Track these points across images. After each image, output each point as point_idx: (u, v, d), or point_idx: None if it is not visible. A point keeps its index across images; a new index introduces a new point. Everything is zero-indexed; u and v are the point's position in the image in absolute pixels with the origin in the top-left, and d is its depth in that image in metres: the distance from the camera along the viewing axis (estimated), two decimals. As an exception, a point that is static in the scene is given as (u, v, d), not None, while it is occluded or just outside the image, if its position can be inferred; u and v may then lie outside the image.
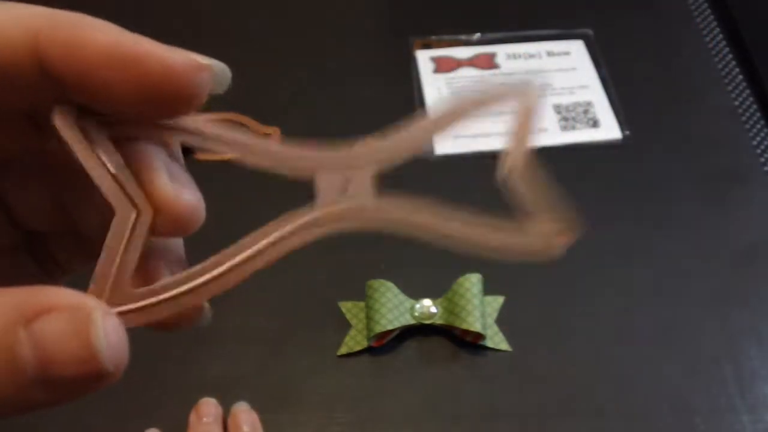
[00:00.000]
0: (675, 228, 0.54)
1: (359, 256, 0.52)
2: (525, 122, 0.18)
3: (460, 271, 0.48)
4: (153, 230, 0.17)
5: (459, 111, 0.19)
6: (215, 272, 0.17)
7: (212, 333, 0.49)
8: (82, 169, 0.16)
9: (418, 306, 0.47)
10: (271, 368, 0.48)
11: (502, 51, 0.66)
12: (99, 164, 0.16)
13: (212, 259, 0.17)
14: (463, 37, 0.67)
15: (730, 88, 0.63)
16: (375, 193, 0.19)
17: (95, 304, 0.14)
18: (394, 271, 0.49)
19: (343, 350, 0.48)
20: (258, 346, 0.48)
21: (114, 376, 0.14)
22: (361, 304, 0.49)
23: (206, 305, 0.18)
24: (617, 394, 0.46)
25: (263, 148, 0.18)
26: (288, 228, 0.17)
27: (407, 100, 0.62)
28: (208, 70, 0.16)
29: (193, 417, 0.44)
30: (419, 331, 0.48)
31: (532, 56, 0.65)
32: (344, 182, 0.18)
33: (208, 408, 0.45)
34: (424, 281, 0.49)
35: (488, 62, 0.65)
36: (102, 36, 0.15)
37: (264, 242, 0.17)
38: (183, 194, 0.17)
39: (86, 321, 0.14)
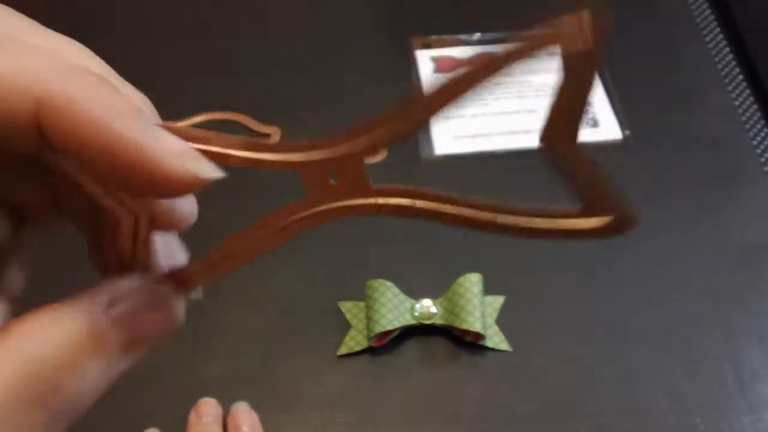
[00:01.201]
0: (675, 228, 0.54)
1: (359, 256, 0.52)
2: (577, 74, 0.13)
3: (460, 271, 0.48)
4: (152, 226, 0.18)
5: (456, 86, 0.16)
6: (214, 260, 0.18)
7: (212, 333, 0.49)
8: (82, 192, 0.17)
9: (418, 306, 0.47)
10: (271, 368, 0.48)
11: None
12: (96, 186, 0.17)
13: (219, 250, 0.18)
14: (463, 37, 0.67)
15: (730, 88, 0.63)
16: (369, 182, 0.17)
17: (165, 284, 0.18)
18: (394, 271, 0.49)
19: (343, 350, 0.48)
20: (258, 346, 0.48)
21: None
22: (361, 304, 0.49)
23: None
24: (617, 394, 0.46)
25: (244, 150, 0.17)
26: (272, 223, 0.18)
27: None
28: (201, 182, 0.15)
29: (192, 417, 0.44)
30: (419, 331, 0.48)
31: (532, 56, 0.65)
32: (334, 169, 0.17)
33: (208, 408, 0.45)
34: (424, 281, 0.49)
35: (488, 62, 0.65)
36: (98, 117, 0.14)
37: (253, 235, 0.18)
38: (177, 205, 0.18)
39: (167, 296, 0.17)
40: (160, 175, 0.15)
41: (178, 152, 0.15)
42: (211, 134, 0.16)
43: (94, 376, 0.16)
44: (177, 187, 0.15)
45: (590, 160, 0.15)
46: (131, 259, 0.18)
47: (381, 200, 0.17)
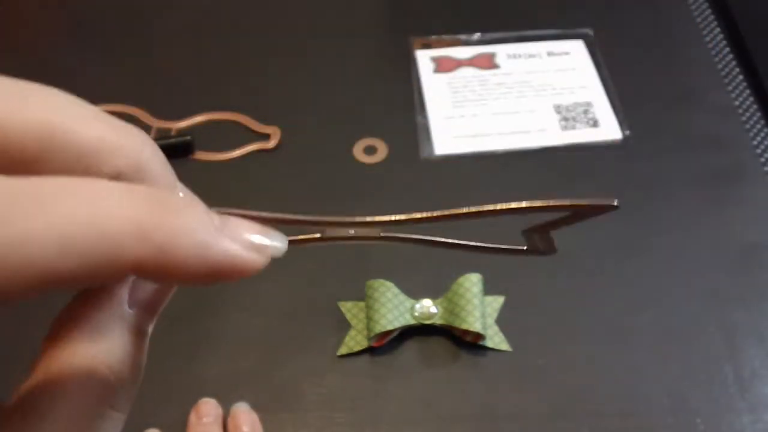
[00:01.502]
0: (675, 228, 0.54)
1: (359, 256, 0.52)
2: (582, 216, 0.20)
3: (460, 271, 0.48)
4: None
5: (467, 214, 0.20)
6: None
7: (212, 333, 0.49)
8: None
9: (418, 306, 0.47)
10: (271, 368, 0.48)
11: (502, 51, 0.66)
12: None
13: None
14: (463, 37, 0.67)
15: (730, 88, 0.63)
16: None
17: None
18: (394, 271, 0.49)
19: (343, 350, 0.48)
20: (258, 346, 0.48)
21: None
22: (361, 304, 0.49)
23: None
24: (617, 394, 0.46)
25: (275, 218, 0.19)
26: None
27: (407, 100, 0.62)
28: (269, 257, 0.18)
29: (192, 417, 0.44)
30: (419, 331, 0.48)
31: (532, 56, 0.65)
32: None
33: (208, 408, 0.45)
34: (424, 281, 0.49)
35: (488, 62, 0.65)
36: (190, 257, 0.15)
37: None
38: None
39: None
40: (244, 271, 0.16)
41: (253, 245, 0.17)
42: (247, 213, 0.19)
43: (137, 360, 0.18)
44: (257, 270, 0.17)
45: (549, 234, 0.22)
46: None
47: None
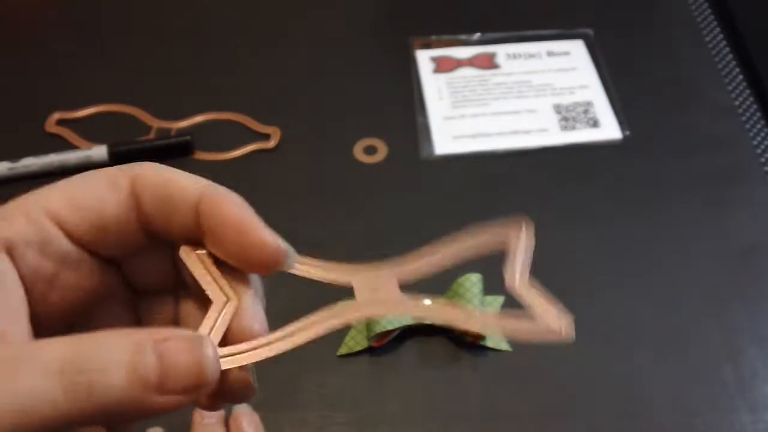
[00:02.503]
0: (675, 228, 0.54)
1: (359, 257, 0.52)
2: (518, 250, 0.25)
3: (460, 271, 0.48)
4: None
5: (464, 248, 0.27)
6: (279, 336, 0.26)
7: (212, 333, 0.49)
8: (197, 282, 0.24)
9: (418, 306, 0.47)
10: (271, 368, 0.47)
11: (502, 51, 0.66)
12: (208, 277, 0.24)
13: (282, 329, 0.26)
14: (463, 37, 0.67)
15: (730, 88, 0.63)
16: (401, 293, 0.27)
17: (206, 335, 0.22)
18: (394, 271, 0.49)
19: (343, 350, 0.48)
20: (258, 346, 0.48)
21: (210, 385, 0.21)
22: (361, 304, 0.49)
23: (254, 383, 0.25)
24: (617, 395, 0.46)
25: (309, 270, 0.28)
26: (327, 314, 0.27)
27: (407, 100, 0.62)
28: (288, 255, 0.25)
29: (196, 417, 0.44)
30: (419, 331, 0.48)
31: (532, 56, 0.65)
32: (375, 285, 0.27)
33: (210, 409, 0.45)
34: (424, 281, 0.49)
35: (488, 62, 0.65)
36: (235, 208, 0.24)
37: (312, 320, 0.28)
38: (255, 324, 0.25)
39: (200, 343, 0.21)
40: (263, 246, 0.23)
41: (272, 233, 0.24)
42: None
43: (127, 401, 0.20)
44: (271, 255, 0.24)
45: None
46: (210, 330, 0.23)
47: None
